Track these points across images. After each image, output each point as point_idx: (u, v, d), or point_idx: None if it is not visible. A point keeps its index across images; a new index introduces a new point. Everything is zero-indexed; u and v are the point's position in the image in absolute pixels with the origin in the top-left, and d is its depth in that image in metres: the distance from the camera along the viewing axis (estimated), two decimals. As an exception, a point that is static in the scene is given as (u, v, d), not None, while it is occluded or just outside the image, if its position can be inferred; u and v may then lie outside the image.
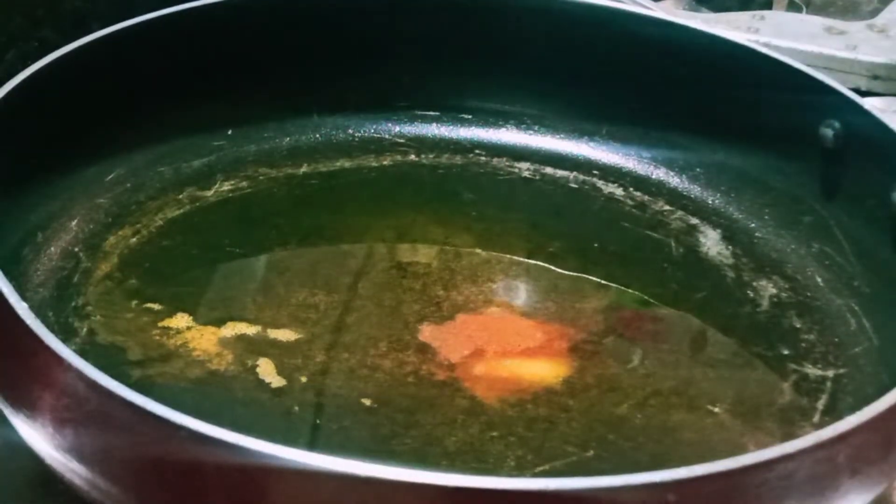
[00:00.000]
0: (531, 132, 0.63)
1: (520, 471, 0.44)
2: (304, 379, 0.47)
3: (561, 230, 0.58)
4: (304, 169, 0.60)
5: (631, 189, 0.60)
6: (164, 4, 0.58)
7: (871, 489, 0.40)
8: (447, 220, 0.57)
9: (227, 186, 0.59)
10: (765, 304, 0.54)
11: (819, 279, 0.55)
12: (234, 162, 0.60)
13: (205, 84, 0.59)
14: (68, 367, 0.37)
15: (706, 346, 0.51)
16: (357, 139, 0.63)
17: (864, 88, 0.68)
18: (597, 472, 0.35)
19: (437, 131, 0.63)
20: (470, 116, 0.64)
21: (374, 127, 0.63)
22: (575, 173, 0.61)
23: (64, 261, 0.52)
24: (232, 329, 0.50)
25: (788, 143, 0.57)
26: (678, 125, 0.61)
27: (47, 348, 0.38)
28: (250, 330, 0.50)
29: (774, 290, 0.54)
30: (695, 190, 0.60)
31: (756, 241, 0.57)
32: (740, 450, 0.44)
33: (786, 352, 0.51)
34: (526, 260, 0.55)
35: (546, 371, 0.49)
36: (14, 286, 0.40)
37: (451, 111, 0.63)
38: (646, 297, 0.53)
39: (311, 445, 0.45)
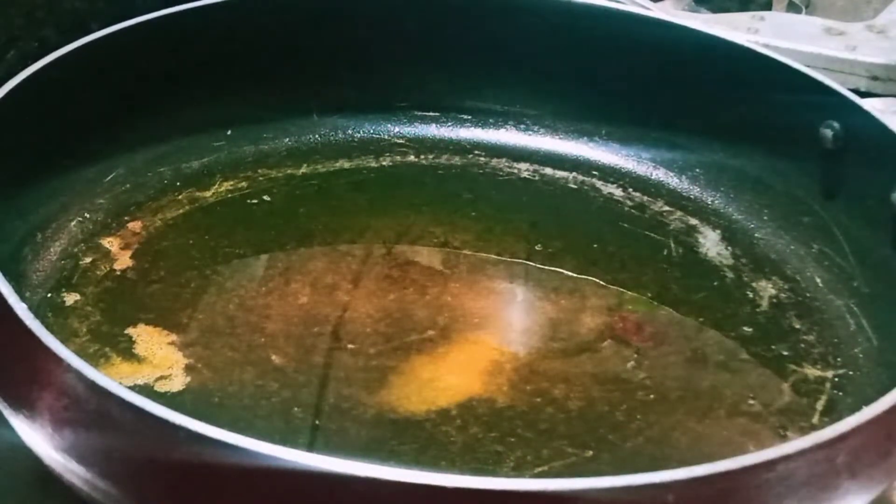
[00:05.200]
0: (531, 132, 0.63)
1: (519, 471, 0.44)
2: (303, 379, 0.47)
3: (560, 231, 0.57)
4: (303, 169, 0.60)
5: (630, 189, 0.60)
6: (164, 4, 0.58)
7: (871, 489, 0.40)
8: (447, 220, 0.57)
9: (226, 187, 0.59)
10: (764, 304, 0.54)
11: (819, 280, 0.55)
12: (234, 162, 0.60)
13: (205, 84, 0.59)
14: (68, 368, 0.37)
15: (705, 347, 0.51)
16: (356, 139, 0.63)
17: (863, 89, 0.68)
18: (596, 473, 0.35)
19: (436, 132, 0.63)
20: (469, 117, 0.64)
21: (374, 127, 0.63)
22: (574, 174, 0.61)
23: (64, 261, 0.52)
24: (231, 329, 0.50)
25: (788, 143, 0.57)
26: (678, 125, 0.61)
27: (46, 349, 0.38)
28: (249, 330, 0.50)
29: (774, 291, 0.54)
30: (694, 190, 0.60)
31: (755, 241, 0.57)
32: (740, 450, 0.44)
33: (785, 352, 0.51)
34: (525, 261, 0.55)
35: (545, 371, 0.49)
36: (14, 286, 0.40)
37: (451, 111, 0.63)
38: (645, 298, 0.53)
39: (311, 446, 0.45)
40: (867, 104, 0.54)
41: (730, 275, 0.55)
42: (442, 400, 0.47)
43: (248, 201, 0.58)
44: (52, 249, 0.53)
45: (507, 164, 0.62)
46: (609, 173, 0.61)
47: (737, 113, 0.59)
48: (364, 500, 0.35)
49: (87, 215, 0.55)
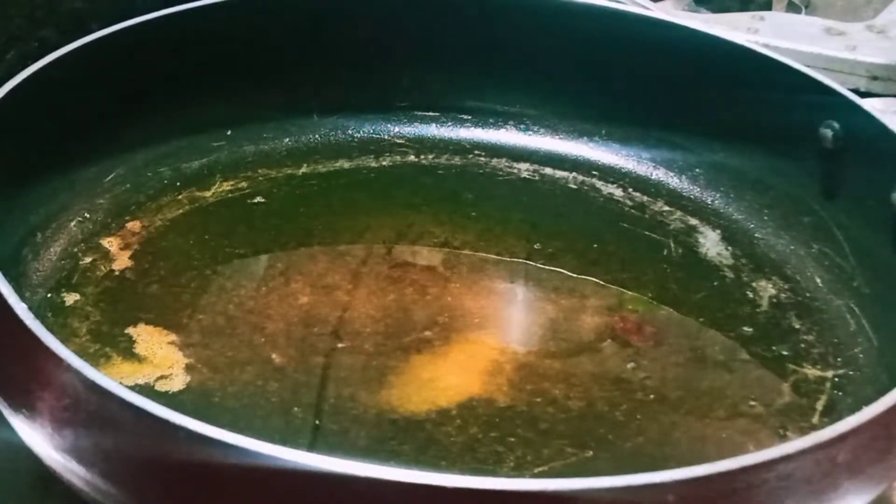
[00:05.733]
0: (531, 132, 0.63)
1: (519, 471, 0.44)
2: (303, 379, 0.47)
3: (560, 231, 0.57)
4: (303, 169, 0.60)
5: (630, 190, 0.60)
6: (164, 4, 0.58)
7: (871, 489, 0.40)
8: (447, 220, 0.57)
9: (226, 187, 0.59)
10: (764, 304, 0.54)
11: (818, 280, 0.55)
12: (234, 162, 0.60)
13: (205, 84, 0.59)
14: (67, 368, 0.37)
15: (705, 347, 0.51)
16: (356, 139, 0.63)
17: (863, 89, 0.68)
18: (596, 473, 0.35)
19: (436, 132, 0.63)
20: (469, 117, 0.64)
21: (374, 127, 0.63)
22: (574, 174, 0.61)
23: (64, 261, 0.52)
24: (231, 329, 0.50)
25: (788, 143, 0.57)
26: (678, 125, 0.61)
27: (46, 349, 0.38)
28: (249, 330, 0.50)
29: (774, 291, 0.54)
30: (694, 190, 0.60)
31: (755, 241, 0.57)
32: (740, 450, 0.44)
33: (785, 352, 0.51)
34: (525, 261, 0.55)
35: (545, 371, 0.49)
36: (14, 286, 0.40)
37: (451, 111, 0.63)
38: (645, 298, 0.53)
39: (311, 446, 0.45)
40: (867, 104, 0.54)
41: (730, 275, 0.55)
42: (442, 400, 0.47)
43: (248, 201, 0.58)
44: (52, 249, 0.53)
45: (507, 164, 0.62)
46: (609, 173, 0.61)
47: (737, 113, 0.59)
48: (364, 500, 0.35)
49: (87, 215, 0.55)
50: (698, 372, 0.50)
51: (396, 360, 0.49)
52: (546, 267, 0.55)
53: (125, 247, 0.54)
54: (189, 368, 0.47)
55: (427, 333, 0.50)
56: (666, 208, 0.59)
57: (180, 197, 0.57)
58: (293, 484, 0.35)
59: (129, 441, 0.37)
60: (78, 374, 0.37)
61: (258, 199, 0.58)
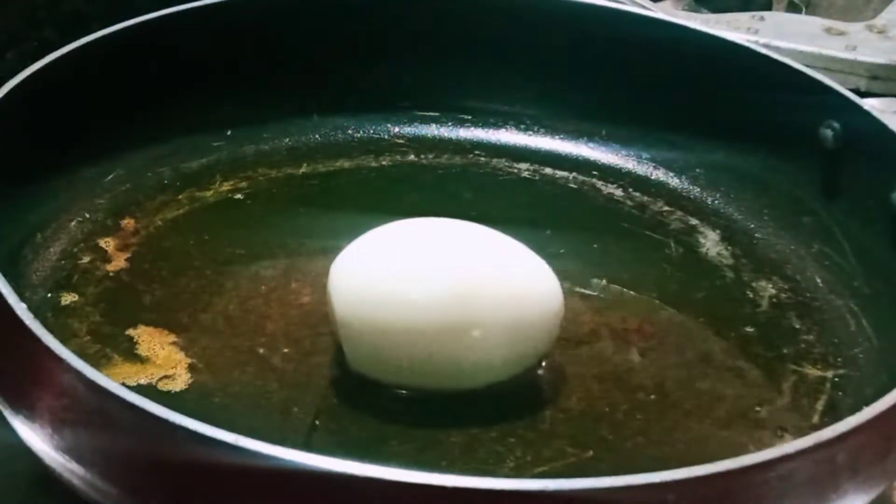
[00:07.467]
0: (531, 133, 0.63)
1: (519, 471, 0.44)
2: (303, 379, 0.47)
3: (560, 230, 0.57)
4: (303, 169, 0.60)
5: (630, 190, 0.60)
6: (164, 4, 0.58)
7: (871, 489, 0.40)
8: (447, 220, 0.57)
9: (226, 187, 0.59)
10: (764, 304, 0.54)
11: (819, 280, 0.55)
12: (234, 162, 0.60)
13: (205, 84, 0.59)
14: (67, 368, 0.37)
15: (705, 347, 0.51)
16: (357, 139, 0.63)
17: (863, 89, 0.68)
18: (596, 473, 0.35)
19: (436, 131, 0.63)
20: (470, 117, 0.64)
21: (374, 127, 0.63)
22: (574, 174, 0.61)
23: (63, 261, 0.52)
24: (231, 329, 0.50)
25: (788, 143, 0.57)
26: (678, 125, 0.61)
27: (46, 349, 0.38)
28: (249, 331, 0.50)
29: (774, 291, 0.54)
30: (694, 190, 0.60)
31: (755, 241, 0.57)
32: (740, 450, 0.44)
33: (785, 352, 0.51)
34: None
35: (545, 371, 0.49)
36: (13, 287, 0.40)
37: (451, 111, 0.63)
38: (645, 298, 0.53)
39: (311, 446, 0.45)
40: (867, 104, 0.54)
41: (730, 275, 0.55)
42: (442, 399, 0.47)
43: (249, 201, 0.58)
44: (51, 250, 0.53)
45: (507, 164, 0.62)
46: (609, 173, 0.61)
47: (737, 113, 0.59)
48: (364, 500, 0.35)
49: (87, 215, 0.55)
50: (698, 372, 0.49)
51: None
52: (546, 267, 0.55)
53: (125, 247, 0.54)
54: (191, 368, 0.47)
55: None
56: (666, 208, 0.59)
57: (180, 197, 0.57)
58: (293, 484, 0.35)
59: (130, 441, 0.37)
60: (78, 374, 0.37)
61: (258, 199, 0.58)
